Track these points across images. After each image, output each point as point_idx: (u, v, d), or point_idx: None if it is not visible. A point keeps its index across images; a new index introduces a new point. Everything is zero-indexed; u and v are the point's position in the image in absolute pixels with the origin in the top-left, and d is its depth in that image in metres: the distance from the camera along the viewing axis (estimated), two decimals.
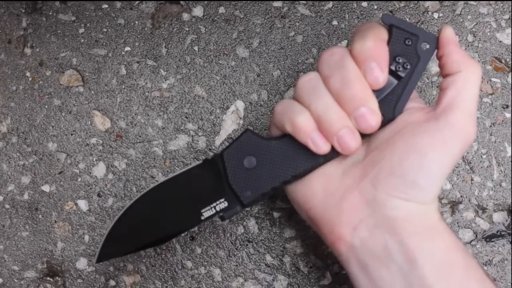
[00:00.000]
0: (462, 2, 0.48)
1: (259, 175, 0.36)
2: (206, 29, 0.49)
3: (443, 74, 0.36)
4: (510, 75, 0.47)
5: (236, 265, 0.47)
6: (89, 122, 0.49)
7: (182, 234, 0.47)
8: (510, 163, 0.46)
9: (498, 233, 0.46)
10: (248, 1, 0.49)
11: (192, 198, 0.38)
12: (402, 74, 0.35)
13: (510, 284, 0.46)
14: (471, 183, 0.46)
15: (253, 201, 0.37)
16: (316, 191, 0.36)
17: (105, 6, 0.50)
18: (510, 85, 0.47)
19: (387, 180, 0.33)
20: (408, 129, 0.34)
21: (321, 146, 0.34)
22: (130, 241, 0.38)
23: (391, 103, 0.35)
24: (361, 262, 0.34)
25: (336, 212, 0.35)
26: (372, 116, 0.34)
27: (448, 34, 0.35)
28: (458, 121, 0.33)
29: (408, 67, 0.35)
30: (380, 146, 0.35)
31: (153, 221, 0.38)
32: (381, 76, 0.34)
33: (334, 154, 0.36)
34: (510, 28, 0.48)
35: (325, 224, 0.36)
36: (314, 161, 0.36)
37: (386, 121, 0.36)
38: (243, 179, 0.37)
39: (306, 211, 0.37)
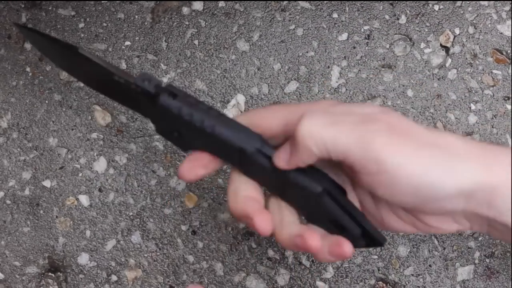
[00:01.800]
0: None
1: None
2: (206, 23, 0.49)
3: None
4: (511, 67, 0.47)
5: (238, 259, 0.47)
6: (90, 117, 0.49)
7: (184, 229, 0.47)
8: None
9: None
10: None
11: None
12: None
13: (511, 276, 0.46)
14: None
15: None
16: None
17: (104, 0, 0.49)
18: (511, 76, 0.47)
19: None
20: None
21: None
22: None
23: None
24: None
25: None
26: None
27: None
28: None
29: None
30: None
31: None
32: None
33: None
34: (511, 20, 0.48)
35: None
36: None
37: None
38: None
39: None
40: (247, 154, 0.32)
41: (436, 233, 0.34)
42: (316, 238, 0.32)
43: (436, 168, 0.29)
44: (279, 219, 0.34)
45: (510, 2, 0.48)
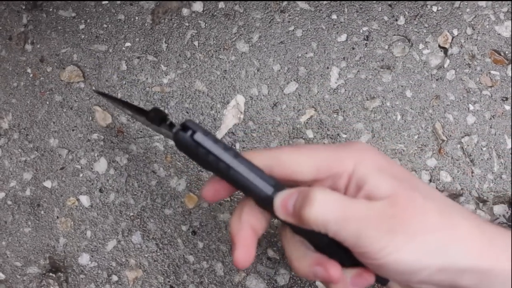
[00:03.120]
0: None
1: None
2: (206, 24, 0.49)
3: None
4: (509, 68, 0.47)
5: None
6: (90, 118, 0.49)
7: (184, 229, 0.47)
8: (510, 155, 0.47)
9: (499, 225, 0.46)
10: None
11: None
12: None
13: None
14: (472, 176, 0.47)
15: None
16: None
17: (105, 2, 0.50)
18: (509, 77, 0.47)
19: None
20: None
21: None
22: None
23: None
24: None
25: None
26: None
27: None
28: None
29: None
30: None
31: None
32: None
33: None
34: (509, 21, 0.48)
35: None
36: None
37: None
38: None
39: None
40: (260, 198, 0.32)
41: None
42: (338, 268, 0.33)
43: (425, 256, 0.31)
44: (293, 249, 0.35)
45: (509, 3, 0.48)
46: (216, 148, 0.32)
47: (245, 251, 0.33)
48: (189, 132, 0.32)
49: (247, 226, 0.34)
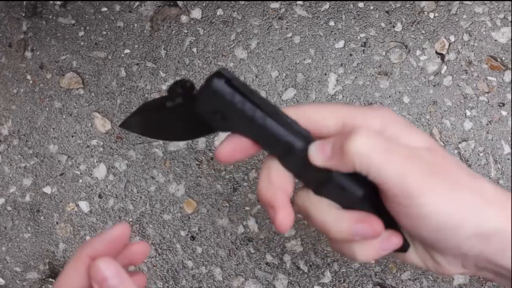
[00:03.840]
0: (457, 1, 0.49)
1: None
2: (205, 31, 0.49)
3: None
4: (506, 74, 0.48)
5: (237, 264, 0.47)
6: (90, 124, 0.49)
7: (183, 234, 0.48)
8: (507, 160, 0.47)
9: None
10: (245, 3, 0.49)
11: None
12: None
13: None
14: None
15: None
16: None
17: (104, 9, 0.50)
18: (506, 83, 0.48)
19: None
20: None
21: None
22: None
23: None
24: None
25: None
26: None
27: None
28: None
29: None
30: None
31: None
32: None
33: None
34: (506, 27, 0.48)
35: None
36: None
37: None
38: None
39: None
40: (293, 149, 0.31)
41: (441, 274, 0.35)
42: (380, 221, 0.32)
43: (464, 210, 0.30)
44: (325, 213, 0.33)
45: (504, 10, 0.48)
46: (253, 95, 0.31)
47: (286, 213, 0.32)
48: (223, 80, 0.31)
49: (279, 188, 0.33)
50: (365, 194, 0.32)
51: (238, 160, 0.34)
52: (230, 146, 0.33)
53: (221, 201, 0.48)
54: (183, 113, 0.35)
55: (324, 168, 0.31)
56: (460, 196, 0.31)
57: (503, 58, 0.48)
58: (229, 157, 0.34)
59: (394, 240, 0.33)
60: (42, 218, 0.49)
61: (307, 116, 0.32)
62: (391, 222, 0.33)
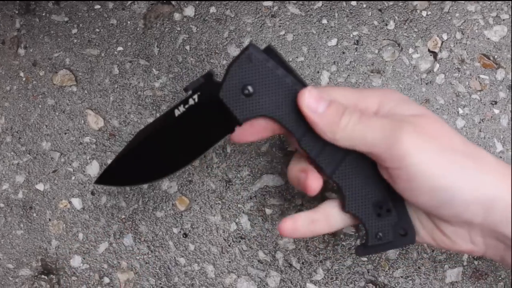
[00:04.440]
0: (450, 0, 0.49)
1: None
2: (198, 29, 0.49)
3: None
4: (498, 72, 0.48)
5: (229, 262, 0.47)
6: (83, 121, 0.49)
7: (175, 231, 0.48)
8: (500, 158, 0.47)
9: None
10: (238, 1, 0.49)
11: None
12: None
13: (501, 277, 0.46)
14: None
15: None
16: None
17: (97, 6, 0.50)
18: (498, 81, 0.48)
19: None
20: None
21: None
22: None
23: None
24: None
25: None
26: None
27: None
28: None
29: None
30: None
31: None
32: None
33: None
34: (498, 26, 0.48)
35: None
36: None
37: None
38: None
39: None
40: None
41: (451, 250, 0.35)
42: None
43: (455, 173, 0.30)
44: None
45: (497, 8, 0.48)
46: (284, 65, 0.35)
47: (316, 175, 0.35)
48: (257, 49, 0.34)
49: (301, 170, 0.36)
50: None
51: (250, 142, 0.38)
52: (242, 130, 0.36)
53: (213, 198, 0.48)
54: (196, 116, 0.37)
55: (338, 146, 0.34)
56: (452, 158, 0.31)
57: (496, 56, 0.48)
58: (241, 139, 0.37)
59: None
60: (34, 215, 0.49)
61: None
62: (397, 210, 0.35)
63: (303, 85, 0.35)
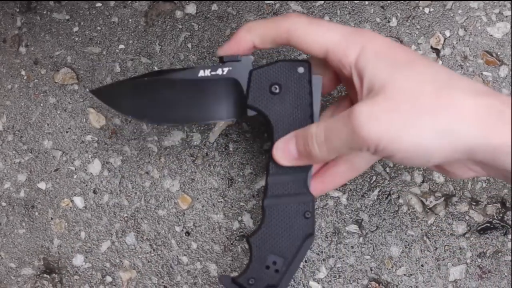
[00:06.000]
0: None
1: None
2: (199, 26, 0.49)
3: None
4: (501, 69, 0.48)
5: (232, 260, 0.47)
6: (84, 120, 0.49)
7: (178, 230, 0.47)
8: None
9: (492, 226, 0.46)
10: None
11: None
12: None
13: (505, 275, 0.46)
14: None
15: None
16: None
17: (99, 4, 0.50)
18: (501, 78, 0.48)
19: None
20: None
21: None
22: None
23: None
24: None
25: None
26: None
27: None
28: None
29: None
30: None
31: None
32: None
33: None
34: (501, 22, 0.48)
35: None
36: None
37: None
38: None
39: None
40: None
41: (454, 178, 0.38)
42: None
43: (429, 136, 0.31)
44: None
45: (500, 4, 0.48)
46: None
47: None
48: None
49: None
50: None
51: (240, 54, 0.38)
52: (230, 45, 0.38)
53: (216, 196, 0.48)
54: (216, 87, 0.39)
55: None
56: (420, 126, 0.31)
57: (499, 53, 0.48)
58: (229, 51, 0.38)
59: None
60: (36, 213, 0.48)
61: (296, 37, 0.36)
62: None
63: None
